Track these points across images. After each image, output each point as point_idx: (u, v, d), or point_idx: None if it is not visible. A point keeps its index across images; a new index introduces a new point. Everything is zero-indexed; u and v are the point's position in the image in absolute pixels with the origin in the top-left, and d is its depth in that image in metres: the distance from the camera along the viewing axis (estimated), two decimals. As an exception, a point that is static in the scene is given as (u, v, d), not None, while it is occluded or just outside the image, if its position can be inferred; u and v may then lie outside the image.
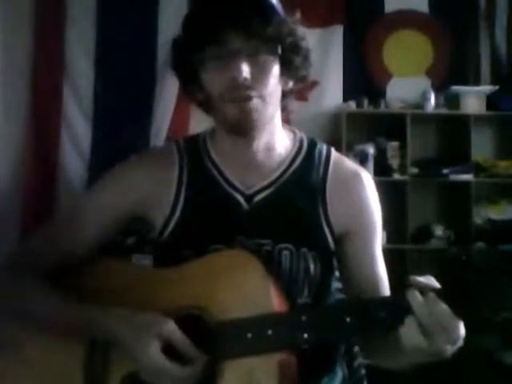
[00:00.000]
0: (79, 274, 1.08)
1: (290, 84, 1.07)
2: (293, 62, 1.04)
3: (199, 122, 1.15)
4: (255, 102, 0.99)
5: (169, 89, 3.18)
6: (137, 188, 1.09)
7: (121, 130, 3.18)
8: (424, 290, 0.86)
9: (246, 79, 0.97)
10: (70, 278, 1.07)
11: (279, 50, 1.01)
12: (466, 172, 3.53)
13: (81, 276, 1.08)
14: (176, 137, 3.23)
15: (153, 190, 1.08)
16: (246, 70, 0.97)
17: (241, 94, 0.98)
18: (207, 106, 1.06)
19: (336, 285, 1.16)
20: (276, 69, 1.01)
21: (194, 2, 1.01)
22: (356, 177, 1.10)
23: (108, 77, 3.28)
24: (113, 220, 1.10)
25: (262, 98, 1.00)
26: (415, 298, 0.85)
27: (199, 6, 1.00)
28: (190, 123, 3.21)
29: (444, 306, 0.83)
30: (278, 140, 1.10)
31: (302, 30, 1.05)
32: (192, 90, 1.07)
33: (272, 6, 1.00)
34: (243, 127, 1.02)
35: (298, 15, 1.05)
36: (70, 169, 3.25)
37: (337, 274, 1.14)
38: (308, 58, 1.06)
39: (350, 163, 1.14)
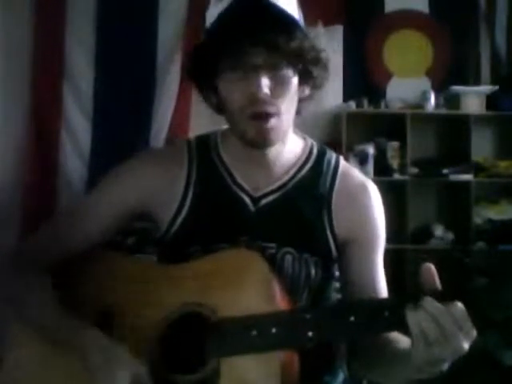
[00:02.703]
0: (82, 269, 1.08)
1: (307, 91, 1.08)
2: (312, 73, 1.04)
3: (199, 123, 1.15)
4: (273, 121, 0.99)
5: (169, 89, 3.17)
6: (144, 185, 1.09)
7: (121, 130, 3.18)
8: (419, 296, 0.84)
9: (266, 94, 0.97)
10: (73, 274, 1.08)
11: (300, 65, 1.01)
12: (466, 172, 3.53)
13: (84, 272, 1.08)
14: (176, 137, 3.25)
15: (161, 187, 1.09)
16: (266, 84, 0.97)
17: (260, 109, 0.98)
18: (222, 109, 1.06)
19: (335, 285, 1.17)
20: (295, 82, 1.02)
21: (220, 12, 0.99)
22: (363, 189, 1.11)
23: (108, 77, 3.27)
24: (118, 216, 1.10)
25: (280, 114, 1.00)
26: (414, 317, 0.83)
27: (225, 17, 0.98)
28: (190, 123, 3.21)
29: (439, 310, 0.82)
30: (288, 145, 1.10)
31: (322, 43, 1.05)
32: (207, 94, 1.07)
33: (295, 22, 1.00)
34: (259, 145, 1.03)
35: (320, 26, 1.06)
36: (70, 169, 3.25)
37: (336, 273, 1.14)
38: (327, 67, 1.06)
39: (357, 174, 1.14)
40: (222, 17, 0.98)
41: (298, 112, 1.10)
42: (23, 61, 3.13)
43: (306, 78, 1.04)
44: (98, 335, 0.97)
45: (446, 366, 0.85)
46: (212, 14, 1.00)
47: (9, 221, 3.02)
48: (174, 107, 3.28)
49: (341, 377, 1.13)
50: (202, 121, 1.14)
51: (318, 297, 1.10)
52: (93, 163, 3.24)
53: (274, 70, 0.98)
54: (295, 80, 1.02)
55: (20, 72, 3.12)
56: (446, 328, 0.81)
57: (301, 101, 1.08)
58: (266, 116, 0.99)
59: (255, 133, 1.00)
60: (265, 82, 0.97)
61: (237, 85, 0.99)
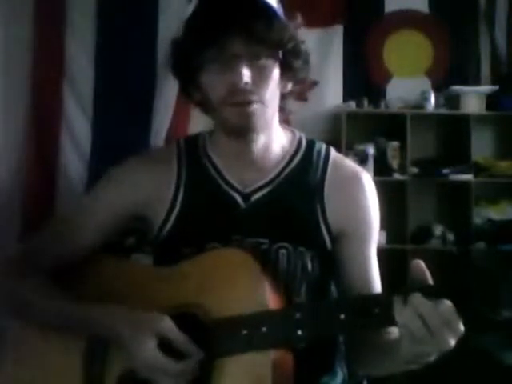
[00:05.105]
0: (79, 273, 1.08)
1: (289, 86, 1.09)
2: (293, 65, 1.05)
3: (199, 122, 1.15)
4: (255, 107, 1.00)
5: (169, 88, 3.17)
6: (137, 188, 1.10)
7: (121, 130, 3.19)
8: (409, 292, 0.84)
9: (246, 84, 0.98)
10: (70, 277, 1.08)
11: (280, 55, 1.02)
12: (466, 172, 3.53)
13: (81, 275, 1.08)
14: (176, 136, 3.24)
15: (152, 190, 1.09)
16: (246, 74, 0.97)
17: (241, 99, 0.99)
18: (206, 106, 1.07)
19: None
20: (276, 73, 1.02)
21: (196, 5, 1.01)
22: (355, 178, 1.10)
23: (108, 77, 3.28)
24: (114, 219, 1.10)
25: (262, 102, 1.01)
26: (400, 314, 0.84)
27: (201, 9, 1.00)
28: (190, 123, 3.21)
29: (426, 307, 0.82)
30: (275, 140, 1.10)
31: (301, 34, 1.05)
32: (190, 90, 1.08)
33: (274, 11, 1.00)
34: (243, 130, 1.03)
35: (299, 19, 1.06)
36: (70, 169, 3.25)
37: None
38: (308, 60, 1.07)
39: (350, 164, 1.14)
40: (199, 8, 1.00)
41: (283, 109, 1.11)
42: (24, 61, 3.14)
43: (287, 71, 1.05)
44: (116, 309, 0.98)
45: (432, 359, 0.86)
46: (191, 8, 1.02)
47: (9, 221, 3.02)
48: (174, 107, 3.28)
49: (340, 377, 1.12)
50: (203, 120, 1.14)
51: (319, 292, 1.09)
52: (93, 163, 3.25)
53: (254, 60, 0.99)
54: (276, 71, 1.02)
55: (20, 72, 3.13)
56: (432, 325, 0.81)
57: (285, 97, 1.09)
58: (247, 102, 0.99)
59: (237, 118, 1.00)
60: (245, 72, 0.97)
61: (218, 76, 0.99)
